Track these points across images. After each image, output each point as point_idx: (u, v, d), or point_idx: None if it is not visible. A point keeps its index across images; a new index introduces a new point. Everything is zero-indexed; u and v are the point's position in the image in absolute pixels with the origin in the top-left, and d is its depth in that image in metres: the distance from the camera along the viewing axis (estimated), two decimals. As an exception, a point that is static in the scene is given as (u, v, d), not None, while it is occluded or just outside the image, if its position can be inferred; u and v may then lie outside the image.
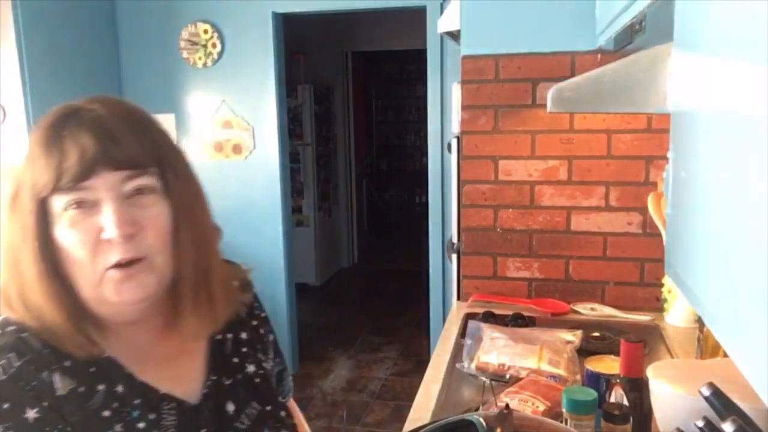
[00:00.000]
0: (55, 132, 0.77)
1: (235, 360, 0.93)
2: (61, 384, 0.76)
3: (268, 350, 0.99)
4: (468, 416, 0.93)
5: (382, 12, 4.59)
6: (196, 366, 0.89)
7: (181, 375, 0.87)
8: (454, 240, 2.25)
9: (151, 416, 0.81)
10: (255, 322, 1.00)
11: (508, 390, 1.36)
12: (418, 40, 3.81)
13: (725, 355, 0.56)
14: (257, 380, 0.94)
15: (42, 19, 3.09)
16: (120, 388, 0.80)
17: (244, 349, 0.95)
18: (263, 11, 3.51)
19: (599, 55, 1.89)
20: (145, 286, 0.79)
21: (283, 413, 0.95)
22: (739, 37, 0.51)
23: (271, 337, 1.01)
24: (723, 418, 0.76)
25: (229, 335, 0.94)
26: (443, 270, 3.49)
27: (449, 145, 2.39)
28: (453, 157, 2.22)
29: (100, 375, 0.79)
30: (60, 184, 0.74)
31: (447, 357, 1.68)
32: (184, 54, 3.60)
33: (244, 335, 0.96)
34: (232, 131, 3.63)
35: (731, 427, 0.72)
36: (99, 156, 0.75)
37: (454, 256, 2.25)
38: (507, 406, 1.07)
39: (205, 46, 3.58)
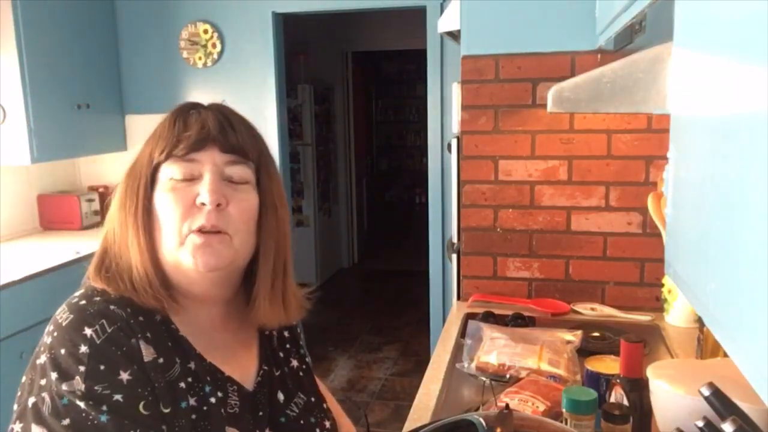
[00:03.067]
0: (181, 113, 0.89)
1: (281, 354, 1.01)
2: (146, 351, 0.81)
3: (305, 349, 1.08)
4: (468, 416, 0.93)
5: (382, 12, 4.60)
6: (251, 356, 0.96)
7: (239, 363, 0.93)
8: (454, 240, 2.25)
9: (219, 394, 0.86)
10: (294, 322, 1.07)
11: (508, 390, 1.36)
12: (418, 40, 3.82)
13: (725, 355, 0.56)
14: (301, 373, 1.02)
15: (42, 19, 3.09)
16: (192, 365, 0.85)
17: (288, 345, 1.04)
18: (263, 11, 3.51)
19: (599, 55, 1.89)
20: (220, 256, 0.85)
21: (325, 405, 1.03)
22: (739, 37, 0.51)
23: (302, 339, 1.10)
24: (723, 418, 0.76)
25: (275, 332, 1.02)
26: (443, 270, 3.49)
27: (449, 145, 2.39)
28: (453, 157, 2.22)
29: (176, 350, 0.85)
30: (175, 151, 0.85)
31: (447, 357, 1.68)
32: (184, 54, 3.60)
33: (286, 333, 1.05)
34: (232, 131, 3.63)
35: (731, 427, 0.72)
36: (215, 134, 0.86)
37: (454, 256, 2.25)
38: (507, 406, 1.07)
39: (205, 46, 3.58)
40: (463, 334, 1.78)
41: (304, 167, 5.57)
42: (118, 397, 0.76)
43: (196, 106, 0.90)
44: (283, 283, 0.94)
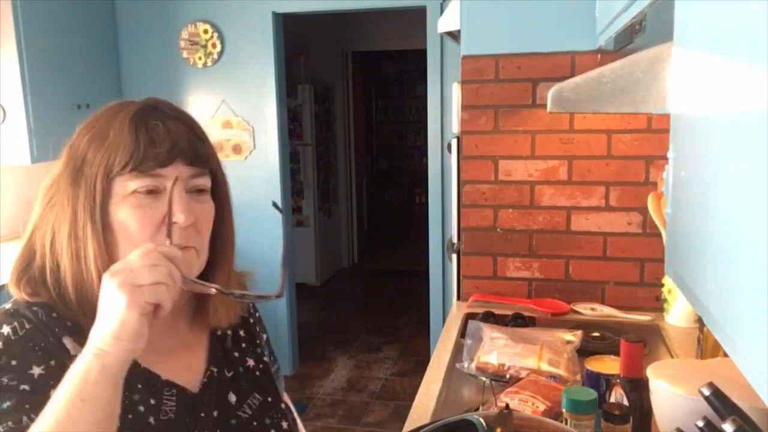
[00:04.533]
0: (142, 119, 0.83)
1: (236, 354, 0.99)
2: (71, 346, 0.81)
3: (264, 347, 1.06)
4: (468, 416, 0.93)
5: (382, 12, 4.60)
6: (198, 358, 0.94)
7: (183, 366, 0.92)
8: (454, 240, 2.25)
9: (152, 401, 0.85)
10: (251, 320, 1.07)
11: (508, 390, 1.36)
12: (418, 40, 3.81)
13: (725, 355, 0.56)
14: (258, 373, 1.00)
15: (42, 19, 3.09)
16: None
17: (243, 345, 1.01)
18: (263, 11, 3.51)
19: (599, 55, 1.89)
20: (191, 268, 0.84)
21: (283, 405, 1.01)
22: (738, 36, 0.52)
23: (265, 336, 1.08)
24: (723, 418, 0.76)
25: (229, 331, 1.00)
26: (443, 270, 3.49)
27: (449, 145, 2.39)
28: (453, 157, 2.22)
29: None
30: (141, 167, 0.81)
31: (447, 357, 1.68)
32: (184, 54, 3.60)
33: (242, 332, 1.03)
34: (232, 131, 3.63)
35: (731, 427, 0.72)
36: (187, 149, 0.83)
37: (454, 256, 2.25)
38: (507, 406, 1.07)
39: (205, 46, 3.58)
40: (463, 334, 1.78)
41: (304, 167, 5.57)
42: (24, 386, 0.76)
43: (155, 112, 0.85)
44: (234, 284, 0.93)
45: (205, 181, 0.87)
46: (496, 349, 1.57)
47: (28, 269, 0.85)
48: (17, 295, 0.84)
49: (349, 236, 6.52)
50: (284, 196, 3.69)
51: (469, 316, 1.91)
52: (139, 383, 0.84)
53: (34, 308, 0.82)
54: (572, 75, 1.91)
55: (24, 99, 2.99)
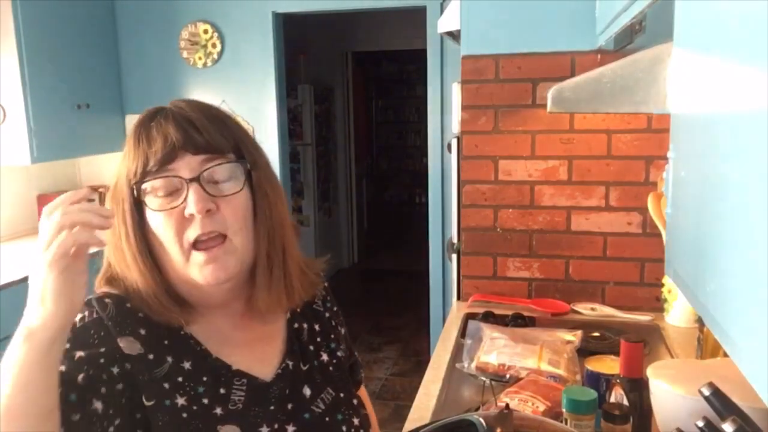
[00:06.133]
0: (143, 127, 0.86)
1: (311, 348, 0.99)
2: (128, 346, 0.82)
3: (340, 342, 1.05)
4: (468, 416, 0.93)
5: (382, 12, 4.60)
6: (274, 350, 0.95)
7: (259, 357, 0.92)
8: (454, 240, 2.25)
9: (222, 390, 0.86)
10: (328, 314, 1.07)
11: (508, 390, 1.36)
12: (418, 40, 3.82)
13: (725, 355, 0.56)
14: (331, 368, 1.00)
15: (42, 19, 3.09)
16: (188, 365, 0.85)
17: (319, 339, 1.01)
18: (263, 11, 3.51)
19: (599, 55, 1.89)
20: (227, 268, 0.85)
21: (355, 401, 1.00)
22: (738, 36, 0.51)
23: (342, 330, 1.09)
24: (723, 418, 0.76)
25: (305, 325, 1.01)
26: (443, 270, 3.49)
27: (449, 145, 2.39)
28: (453, 157, 2.22)
29: (171, 348, 0.85)
30: (148, 168, 0.83)
31: (447, 357, 1.68)
32: (184, 54, 3.60)
33: (317, 326, 1.03)
34: (232, 131, 3.63)
35: (731, 427, 0.72)
36: (181, 141, 0.83)
37: (454, 256, 2.25)
38: (507, 406, 1.07)
39: (205, 46, 3.58)
40: (463, 334, 1.78)
41: (304, 167, 5.57)
42: (61, 368, 0.75)
43: (156, 115, 0.87)
44: (283, 269, 0.92)
45: (223, 168, 0.85)
46: (496, 349, 1.57)
47: (110, 273, 0.89)
48: (96, 288, 0.88)
49: (349, 236, 6.52)
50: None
51: (469, 316, 1.91)
52: (205, 376, 0.86)
53: (106, 300, 0.85)
54: (572, 75, 1.91)
55: (24, 99, 2.99)
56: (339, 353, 1.03)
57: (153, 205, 0.84)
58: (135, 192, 0.84)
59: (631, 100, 1.07)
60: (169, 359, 0.85)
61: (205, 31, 3.56)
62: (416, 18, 3.67)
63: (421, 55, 3.67)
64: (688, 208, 0.69)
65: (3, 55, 2.96)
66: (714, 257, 0.58)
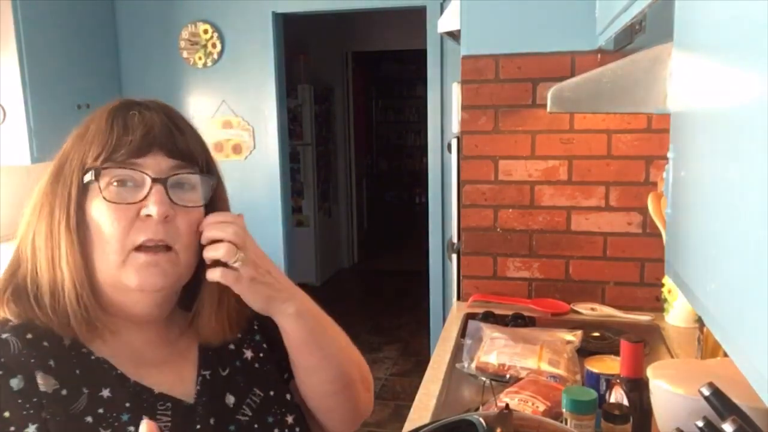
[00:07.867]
0: (120, 112, 0.80)
1: (231, 347, 0.91)
2: (44, 381, 0.74)
3: (261, 334, 0.97)
4: (468, 416, 0.93)
5: (382, 12, 4.60)
6: (189, 365, 0.88)
7: (178, 376, 0.86)
8: (454, 240, 2.25)
9: (146, 418, 0.80)
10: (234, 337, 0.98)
11: (508, 390, 1.36)
12: (418, 40, 3.81)
13: (725, 355, 0.56)
14: (257, 365, 0.92)
15: (42, 19, 3.08)
16: (106, 393, 0.77)
17: (239, 335, 0.92)
18: (263, 11, 3.51)
19: (599, 55, 1.89)
20: (166, 276, 0.79)
21: (288, 396, 0.93)
22: (738, 36, 0.51)
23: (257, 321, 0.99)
24: (723, 418, 0.76)
25: None
26: (443, 270, 3.49)
27: (449, 145, 2.39)
28: (453, 157, 2.22)
29: (85, 378, 0.77)
30: (114, 156, 0.77)
31: (447, 357, 1.68)
32: (184, 54, 3.60)
33: None
34: (232, 131, 3.63)
35: (731, 427, 0.72)
36: (163, 137, 0.79)
37: (454, 256, 2.25)
38: (507, 406, 1.07)
39: (205, 46, 3.58)
40: (463, 334, 1.78)
41: (304, 167, 5.57)
42: None
43: (136, 105, 0.81)
44: (228, 298, 0.86)
45: (190, 179, 0.81)
46: (496, 349, 1.57)
47: (14, 278, 0.80)
48: (0, 310, 0.78)
49: (349, 236, 6.52)
50: (284, 196, 3.69)
51: (469, 316, 1.91)
52: (127, 401, 0.78)
53: (4, 336, 0.75)
54: (572, 75, 1.91)
55: (24, 99, 2.99)
56: (265, 345, 0.94)
57: (108, 194, 0.77)
58: (92, 176, 0.77)
59: (631, 100, 1.07)
60: (85, 390, 0.76)
61: (205, 31, 3.56)
62: (416, 18, 3.67)
63: (421, 55, 3.67)
64: (688, 208, 0.69)
65: (3, 55, 2.95)
66: (714, 257, 0.58)
